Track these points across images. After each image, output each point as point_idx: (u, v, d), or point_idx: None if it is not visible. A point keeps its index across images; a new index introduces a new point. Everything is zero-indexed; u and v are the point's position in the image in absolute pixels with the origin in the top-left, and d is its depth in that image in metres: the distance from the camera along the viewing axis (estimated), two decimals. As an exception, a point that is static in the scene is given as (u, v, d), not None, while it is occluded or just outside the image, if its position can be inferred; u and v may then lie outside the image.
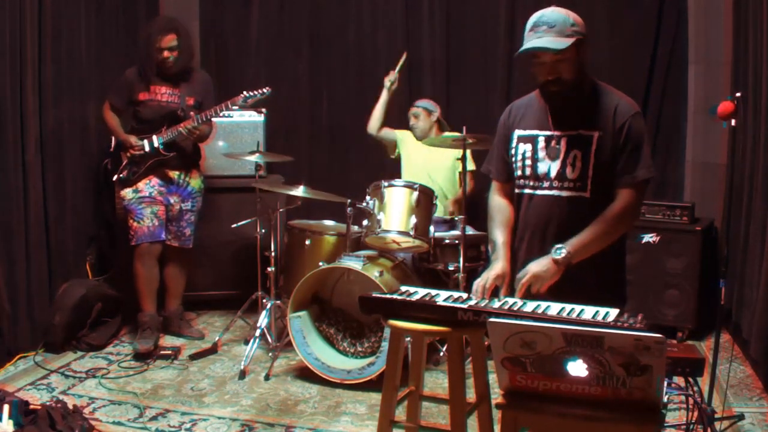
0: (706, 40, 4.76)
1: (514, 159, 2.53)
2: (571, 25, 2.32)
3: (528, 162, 2.48)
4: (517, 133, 2.53)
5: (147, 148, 4.19)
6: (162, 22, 4.26)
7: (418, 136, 4.64)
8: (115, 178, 4.27)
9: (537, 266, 2.33)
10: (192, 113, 4.15)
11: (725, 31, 4.62)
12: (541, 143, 2.46)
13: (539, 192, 2.47)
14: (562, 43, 2.29)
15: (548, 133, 2.45)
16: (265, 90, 4.04)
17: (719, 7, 4.66)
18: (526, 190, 2.51)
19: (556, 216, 2.44)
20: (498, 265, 2.45)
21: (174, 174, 4.32)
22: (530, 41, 2.33)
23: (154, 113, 4.22)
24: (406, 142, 4.77)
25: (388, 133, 4.81)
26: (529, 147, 2.48)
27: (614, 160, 2.38)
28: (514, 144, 2.53)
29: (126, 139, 4.20)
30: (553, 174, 2.43)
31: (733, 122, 3.11)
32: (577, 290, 2.29)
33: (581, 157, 2.38)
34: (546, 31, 2.31)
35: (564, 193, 2.42)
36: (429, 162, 4.61)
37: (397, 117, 5.19)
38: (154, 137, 4.19)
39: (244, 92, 4.02)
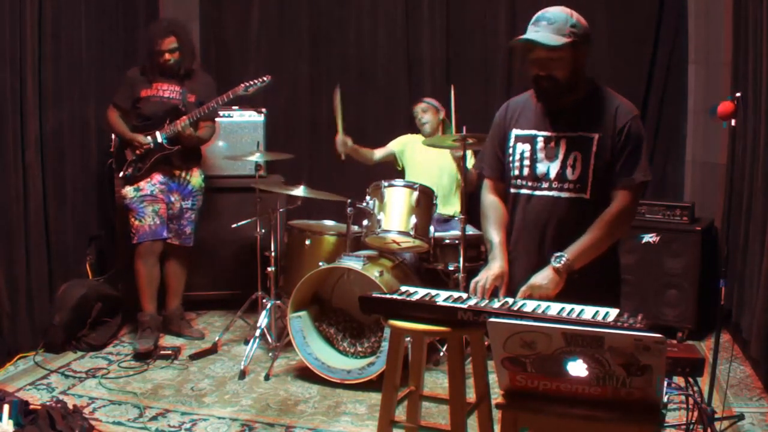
0: (706, 40, 4.77)
1: (511, 158, 2.52)
2: (572, 26, 2.33)
3: (526, 162, 2.47)
4: (515, 132, 2.52)
5: (151, 144, 4.21)
6: (161, 24, 4.29)
7: (427, 131, 4.60)
8: (121, 174, 4.28)
9: (538, 278, 2.33)
10: (184, 118, 4.17)
11: (725, 31, 4.62)
12: (540, 144, 2.45)
13: (538, 193, 2.46)
14: (556, 40, 2.30)
15: (547, 133, 2.45)
16: (264, 78, 4.10)
17: (719, 8, 4.66)
18: (524, 191, 2.50)
19: (556, 217, 2.43)
20: (496, 265, 2.44)
21: (177, 171, 4.34)
22: (527, 34, 2.35)
23: (156, 109, 4.23)
24: (409, 146, 4.70)
25: (384, 152, 4.75)
26: (527, 147, 2.47)
27: (613, 161, 2.38)
28: (511, 143, 2.52)
29: (133, 139, 4.21)
30: (552, 175, 2.42)
31: (733, 122, 3.11)
32: (573, 290, 2.29)
33: (581, 159, 2.38)
34: (545, 26, 2.33)
35: (564, 195, 2.42)
36: (434, 163, 4.59)
37: (398, 120, 5.20)
38: (157, 133, 4.21)
39: (244, 82, 4.07)
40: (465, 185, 4.07)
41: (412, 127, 4.80)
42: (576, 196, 2.41)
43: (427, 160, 4.59)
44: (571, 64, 2.36)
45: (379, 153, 4.74)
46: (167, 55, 4.19)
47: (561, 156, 2.41)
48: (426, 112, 4.62)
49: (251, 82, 4.09)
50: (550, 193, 2.44)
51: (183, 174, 4.37)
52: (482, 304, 2.27)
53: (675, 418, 3.06)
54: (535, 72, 2.38)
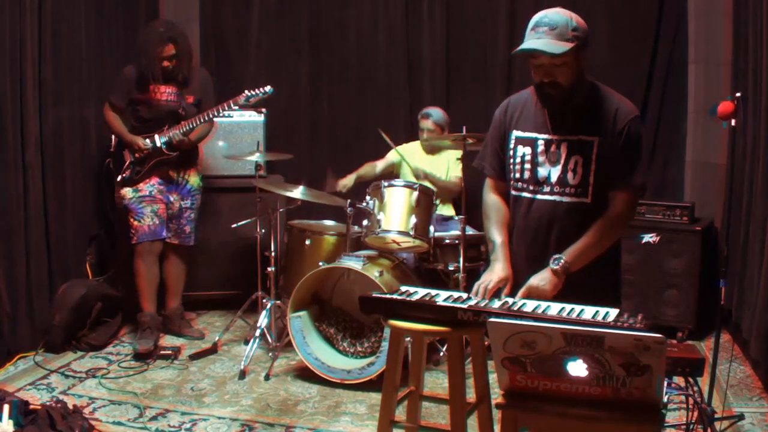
0: (706, 40, 4.76)
1: (512, 161, 2.51)
2: (573, 29, 2.28)
3: (527, 165, 2.46)
4: (515, 134, 2.50)
5: (150, 149, 4.21)
6: (159, 30, 4.19)
7: (426, 147, 4.62)
8: (119, 178, 4.28)
9: (536, 279, 2.33)
10: (184, 124, 4.16)
11: (725, 31, 4.62)
12: (541, 147, 2.43)
13: (539, 197, 2.45)
14: (559, 47, 2.25)
15: (547, 136, 2.43)
16: (266, 89, 4.06)
17: (719, 7, 4.66)
18: (525, 194, 2.48)
19: (557, 221, 2.42)
20: (499, 267, 2.44)
21: (173, 173, 4.34)
22: (529, 41, 2.29)
23: (155, 112, 4.23)
24: (407, 156, 4.67)
25: (384, 164, 4.73)
26: (528, 150, 2.46)
27: (613, 164, 2.36)
28: (512, 145, 2.51)
29: (133, 141, 4.21)
30: (554, 179, 2.41)
31: (733, 122, 3.11)
32: (574, 291, 2.29)
33: (582, 163, 2.37)
34: (546, 32, 2.26)
35: (565, 199, 2.41)
36: (435, 171, 4.59)
37: (398, 120, 5.19)
38: (156, 137, 4.21)
39: (246, 91, 4.04)
40: (464, 186, 4.06)
41: (412, 128, 4.80)
42: (577, 200, 2.40)
43: (426, 166, 4.60)
44: (575, 69, 2.32)
45: (380, 165, 4.73)
46: (166, 63, 4.17)
47: (562, 160, 2.39)
48: (432, 131, 4.59)
49: (253, 92, 4.03)
50: (552, 198, 2.43)
51: (181, 174, 4.37)
52: (482, 304, 2.27)
53: (675, 418, 3.06)
54: (539, 79, 2.34)
